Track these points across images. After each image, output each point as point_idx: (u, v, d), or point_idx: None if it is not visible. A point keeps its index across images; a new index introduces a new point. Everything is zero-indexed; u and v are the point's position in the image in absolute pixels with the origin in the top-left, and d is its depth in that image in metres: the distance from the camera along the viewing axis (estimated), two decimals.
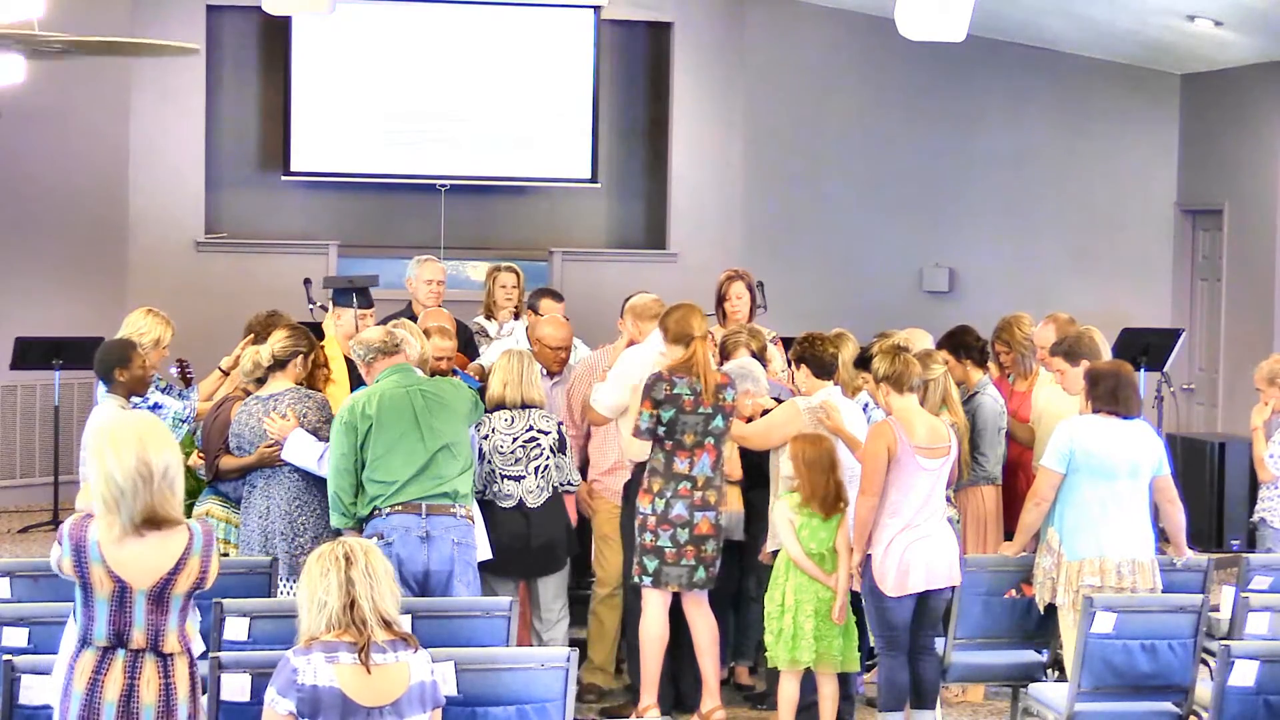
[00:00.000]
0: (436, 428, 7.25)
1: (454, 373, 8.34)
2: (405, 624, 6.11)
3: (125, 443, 4.99)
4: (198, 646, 5.29)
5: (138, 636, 4.98)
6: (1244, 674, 6.13)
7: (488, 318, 10.18)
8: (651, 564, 7.68)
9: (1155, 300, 14.36)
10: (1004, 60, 14.35)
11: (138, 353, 7.76)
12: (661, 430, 7.63)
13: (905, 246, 14.39)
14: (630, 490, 8.01)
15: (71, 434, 12.34)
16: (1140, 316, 13.49)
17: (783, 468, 7.61)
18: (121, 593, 4.96)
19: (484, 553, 7.51)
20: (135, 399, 7.77)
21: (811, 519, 7.46)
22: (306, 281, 11.27)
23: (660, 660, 7.77)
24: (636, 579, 7.75)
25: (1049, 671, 7.60)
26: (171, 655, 5.02)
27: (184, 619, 5.06)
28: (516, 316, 10.14)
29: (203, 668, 5.35)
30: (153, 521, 4.97)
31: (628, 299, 9.00)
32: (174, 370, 8.34)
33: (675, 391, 7.61)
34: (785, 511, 7.49)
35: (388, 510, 7.15)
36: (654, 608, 7.73)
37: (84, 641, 5.01)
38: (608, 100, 14.34)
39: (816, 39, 14.33)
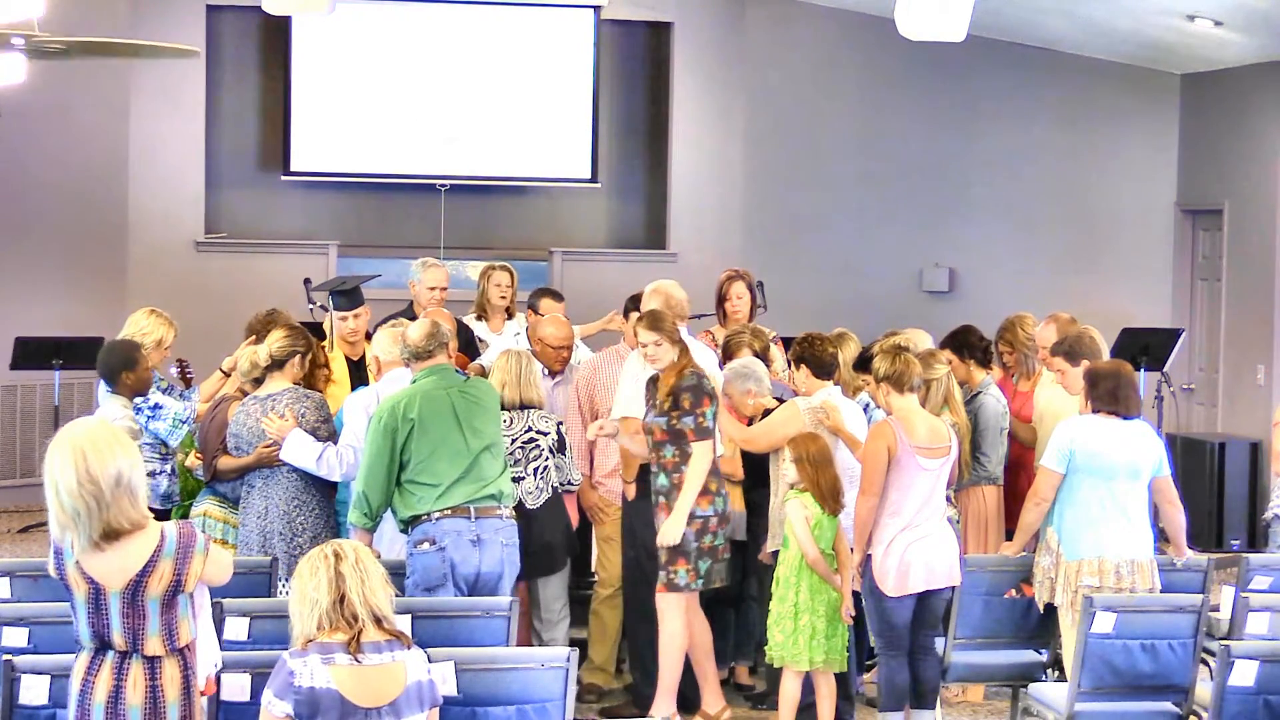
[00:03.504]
0: (478, 429, 7.19)
1: None
2: (405, 623, 6.15)
3: (65, 463, 4.87)
4: (211, 651, 5.24)
5: (118, 639, 4.96)
6: (1244, 674, 6.13)
7: (479, 318, 10.13)
8: (705, 565, 7.62)
9: (1155, 300, 14.36)
10: (1004, 60, 14.34)
11: (143, 354, 7.75)
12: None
13: (905, 246, 14.39)
14: (646, 491, 7.91)
15: None
16: (1140, 316, 13.49)
17: (784, 470, 7.60)
18: (96, 594, 4.94)
19: None
20: (138, 399, 7.77)
21: (823, 516, 7.46)
22: (307, 281, 11.27)
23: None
24: (690, 584, 7.58)
25: (1049, 671, 7.60)
26: (159, 658, 4.99)
27: (170, 622, 4.99)
28: (510, 316, 10.12)
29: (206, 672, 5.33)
30: (112, 535, 4.91)
31: (632, 297, 8.93)
32: (174, 370, 8.34)
33: (711, 386, 7.67)
34: (800, 510, 7.48)
35: (437, 515, 7.06)
36: (681, 612, 7.64)
37: (79, 644, 5.01)
38: (608, 100, 14.34)
39: (816, 39, 14.33)
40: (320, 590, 4.87)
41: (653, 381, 7.73)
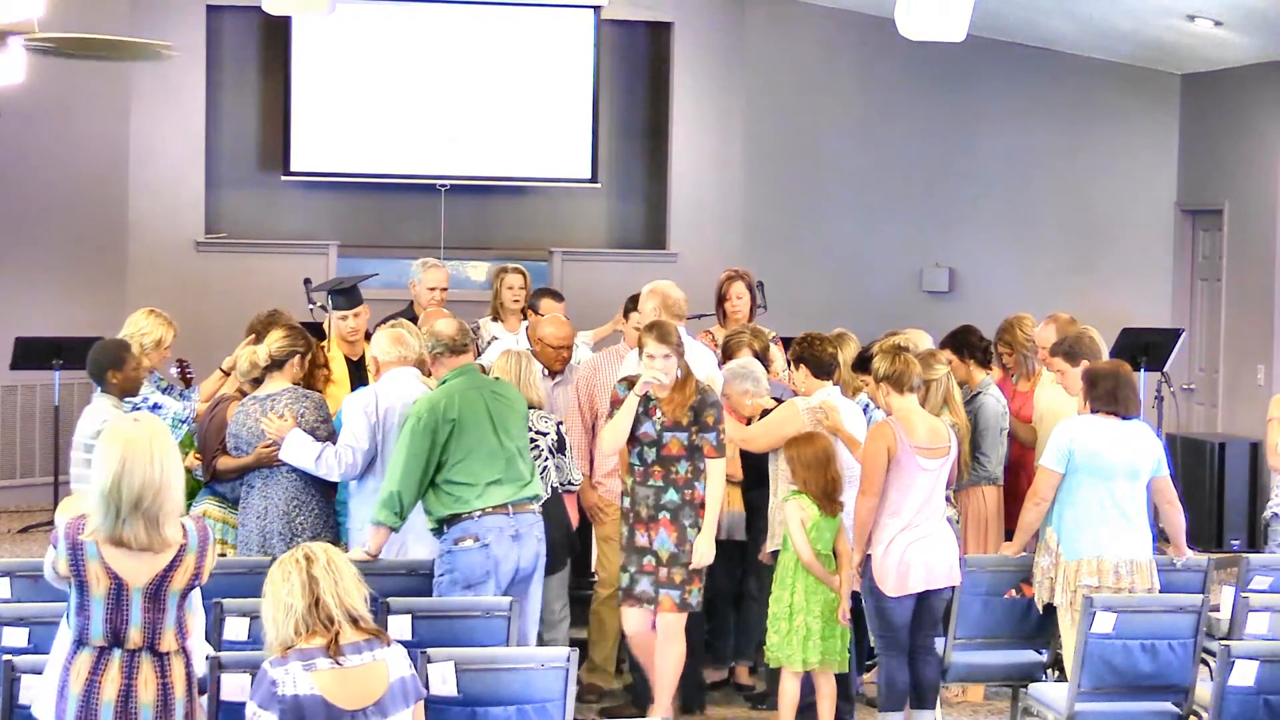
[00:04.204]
0: (511, 430, 7.22)
1: None
2: (405, 623, 6.15)
3: (109, 461, 4.95)
4: (201, 645, 5.26)
5: (134, 635, 4.97)
6: (1244, 674, 6.13)
7: (494, 319, 10.14)
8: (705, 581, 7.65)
9: (1155, 300, 14.36)
10: (1004, 60, 14.34)
11: (131, 354, 7.74)
12: None
13: (905, 246, 14.39)
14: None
15: (71, 434, 12.31)
16: (1140, 316, 13.49)
17: (783, 470, 7.60)
18: (118, 590, 4.95)
19: None
20: (129, 399, 7.76)
21: (820, 518, 7.46)
22: (307, 281, 11.28)
23: None
24: (699, 601, 7.56)
25: (1049, 671, 7.60)
26: (168, 654, 5.02)
27: (181, 616, 5.04)
28: (525, 317, 10.12)
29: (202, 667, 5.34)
30: (117, 544, 4.95)
31: (632, 297, 8.92)
32: (174, 370, 8.33)
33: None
34: (797, 511, 7.48)
35: (479, 513, 7.07)
36: (683, 628, 7.64)
37: (80, 642, 5.00)
38: (608, 100, 14.34)
39: (816, 39, 14.33)
40: (294, 595, 4.85)
41: (642, 394, 7.54)
